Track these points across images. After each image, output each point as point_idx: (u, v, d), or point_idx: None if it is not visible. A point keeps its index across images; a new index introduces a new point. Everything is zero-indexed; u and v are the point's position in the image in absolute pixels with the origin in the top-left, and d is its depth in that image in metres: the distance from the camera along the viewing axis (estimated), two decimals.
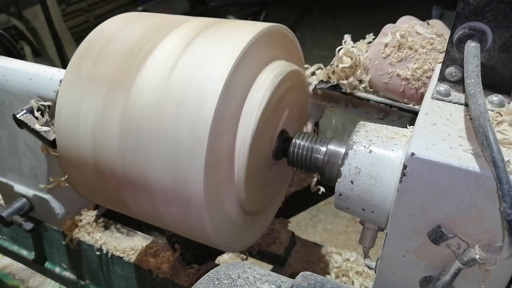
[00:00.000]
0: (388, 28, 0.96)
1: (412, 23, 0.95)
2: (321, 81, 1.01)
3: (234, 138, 0.71)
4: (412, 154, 0.49)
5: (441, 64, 0.61)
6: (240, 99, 0.71)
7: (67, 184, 0.97)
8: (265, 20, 0.82)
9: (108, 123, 0.71)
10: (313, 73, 1.04)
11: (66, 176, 0.85)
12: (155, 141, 0.67)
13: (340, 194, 0.64)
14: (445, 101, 0.59)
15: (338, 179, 0.63)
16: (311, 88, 1.00)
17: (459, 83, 0.59)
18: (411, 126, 0.63)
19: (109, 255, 1.12)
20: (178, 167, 0.66)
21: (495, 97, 0.56)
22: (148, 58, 0.71)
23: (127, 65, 0.72)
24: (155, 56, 0.71)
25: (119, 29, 0.80)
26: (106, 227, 1.19)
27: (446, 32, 0.93)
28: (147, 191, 0.71)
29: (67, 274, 1.26)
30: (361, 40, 0.99)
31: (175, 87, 0.66)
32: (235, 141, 0.71)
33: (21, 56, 1.21)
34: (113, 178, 0.74)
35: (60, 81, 0.92)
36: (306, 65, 1.02)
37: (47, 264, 1.29)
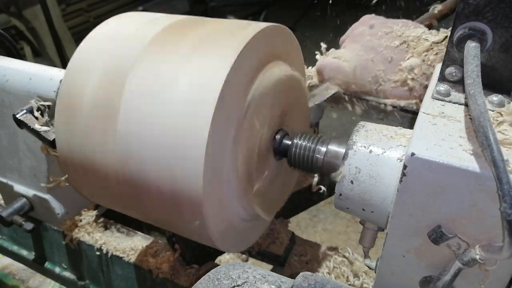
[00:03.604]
0: (357, 36, 0.97)
1: (379, 22, 0.96)
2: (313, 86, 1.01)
3: (235, 139, 0.71)
4: (412, 154, 0.49)
5: (440, 64, 0.61)
6: (239, 101, 0.71)
7: (67, 184, 0.97)
8: (265, 20, 0.82)
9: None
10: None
11: (66, 176, 0.85)
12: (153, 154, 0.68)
13: (340, 194, 0.64)
14: (445, 101, 0.59)
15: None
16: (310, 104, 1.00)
17: (459, 83, 0.59)
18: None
19: (109, 255, 1.12)
20: (178, 168, 0.66)
21: (495, 97, 0.56)
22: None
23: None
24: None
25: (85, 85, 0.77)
26: (106, 227, 1.19)
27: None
28: (146, 192, 0.71)
29: (67, 274, 1.26)
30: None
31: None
32: (237, 143, 0.71)
33: (21, 56, 1.21)
34: (113, 180, 0.74)
35: (60, 81, 0.92)
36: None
37: (47, 264, 1.29)
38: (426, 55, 0.87)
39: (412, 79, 0.88)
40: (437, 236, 0.51)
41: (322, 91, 0.98)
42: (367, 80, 0.93)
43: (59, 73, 0.95)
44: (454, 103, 0.58)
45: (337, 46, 1.06)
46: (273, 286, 0.53)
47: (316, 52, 1.04)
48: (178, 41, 0.72)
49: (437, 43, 0.86)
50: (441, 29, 0.91)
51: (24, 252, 1.33)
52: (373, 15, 1.01)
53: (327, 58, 0.99)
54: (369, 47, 0.93)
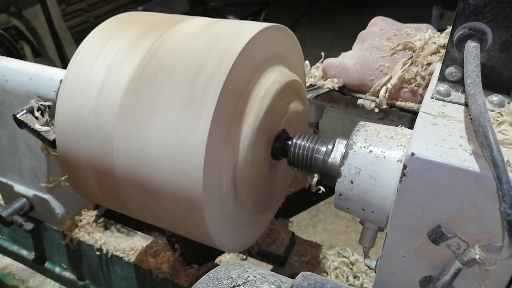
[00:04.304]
0: (365, 35, 0.97)
1: (389, 24, 0.95)
2: (311, 86, 1.01)
3: (235, 139, 0.71)
4: (412, 154, 0.49)
5: (440, 64, 0.61)
6: (240, 100, 0.71)
7: (67, 184, 0.97)
8: (265, 20, 0.82)
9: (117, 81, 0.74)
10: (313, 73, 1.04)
11: (66, 176, 0.85)
12: (175, 69, 0.69)
13: (340, 194, 0.64)
14: (445, 101, 0.59)
15: (338, 179, 0.63)
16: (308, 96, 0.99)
17: (459, 83, 0.59)
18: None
19: (109, 255, 1.12)
20: (178, 168, 0.65)
21: (495, 97, 0.56)
22: (186, 20, 0.79)
23: (169, 20, 0.80)
24: (193, 20, 0.79)
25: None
26: (106, 227, 1.19)
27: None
28: (146, 192, 0.71)
29: (67, 274, 1.26)
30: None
31: (211, 30, 0.74)
32: (237, 142, 0.71)
33: (21, 56, 1.21)
34: (112, 179, 0.74)
35: (60, 81, 0.92)
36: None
37: (47, 264, 1.29)
38: (431, 59, 0.86)
39: (418, 84, 0.88)
40: (437, 236, 0.51)
41: (319, 88, 0.99)
42: (368, 79, 0.92)
43: (59, 73, 0.95)
44: (454, 103, 0.58)
45: (338, 47, 1.06)
46: (273, 286, 0.53)
47: (322, 54, 1.04)
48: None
49: (443, 46, 0.86)
50: (447, 31, 0.90)
51: (24, 252, 1.33)
52: (383, 17, 1.00)
53: (332, 58, 1.00)
54: (375, 46, 0.93)
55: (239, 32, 0.71)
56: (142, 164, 0.69)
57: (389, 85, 0.89)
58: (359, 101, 0.95)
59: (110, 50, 0.76)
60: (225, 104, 0.66)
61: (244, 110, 0.71)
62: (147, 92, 0.69)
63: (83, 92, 0.75)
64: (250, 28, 0.72)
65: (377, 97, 0.92)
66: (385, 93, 0.90)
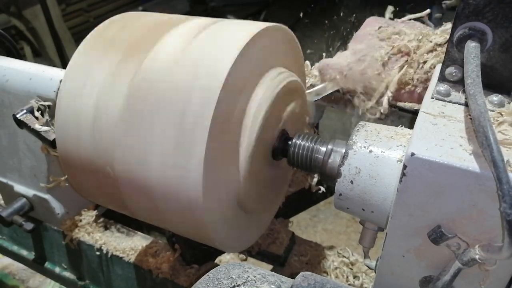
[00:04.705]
0: (361, 36, 0.97)
1: (383, 23, 0.96)
2: (311, 86, 1.01)
3: (235, 139, 0.71)
4: (412, 154, 0.49)
5: (440, 64, 0.61)
6: (240, 100, 0.71)
7: (67, 184, 0.97)
8: (265, 20, 0.82)
9: (110, 105, 0.72)
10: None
11: (66, 176, 0.85)
12: (162, 105, 0.66)
13: (340, 194, 0.64)
14: (445, 101, 0.59)
15: (338, 179, 0.63)
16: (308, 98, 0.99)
17: (459, 83, 0.59)
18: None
19: (109, 255, 1.12)
20: (178, 168, 0.66)
21: (495, 97, 0.56)
22: (168, 32, 0.75)
23: (148, 35, 0.76)
24: (176, 31, 0.75)
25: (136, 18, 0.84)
26: (106, 227, 1.19)
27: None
28: (146, 192, 0.71)
29: (67, 274, 1.26)
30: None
31: (192, 53, 0.69)
32: (237, 142, 0.71)
33: (21, 56, 1.21)
34: (112, 179, 0.74)
35: (60, 81, 0.92)
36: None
37: (47, 264, 1.29)
38: (426, 57, 0.86)
39: (415, 84, 0.88)
40: (437, 236, 0.51)
41: (321, 89, 0.99)
42: (365, 80, 0.92)
43: (59, 73, 0.96)
44: (454, 103, 0.58)
45: (338, 47, 1.06)
46: (273, 286, 0.53)
47: (324, 54, 1.04)
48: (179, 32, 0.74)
49: (440, 45, 0.86)
50: (441, 28, 0.90)
51: (24, 252, 1.33)
52: (377, 17, 1.01)
53: (328, 59, 1.00)
54: (370, 46, 0.93)
55: (224, 49, 0.68)
56: (143, 163, 0.69)
57: (389, 93, 0.89)
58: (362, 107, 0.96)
59: (94, 84, 0.75)
60: (216, 139, 0.65)
61: (245, 109, 0.71)
62: (138, 133, 0.69)
63: (77, 128, 0.76)
64: (250, 28, 0.71)
65: (379, 104, 0.92)
66: (388, 103, 0.90)
